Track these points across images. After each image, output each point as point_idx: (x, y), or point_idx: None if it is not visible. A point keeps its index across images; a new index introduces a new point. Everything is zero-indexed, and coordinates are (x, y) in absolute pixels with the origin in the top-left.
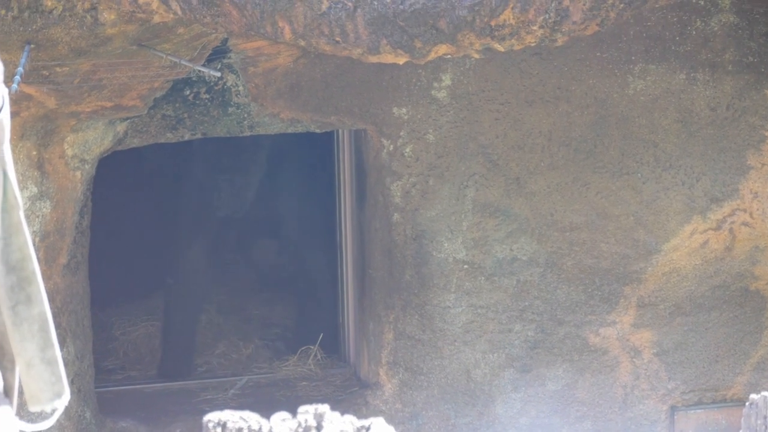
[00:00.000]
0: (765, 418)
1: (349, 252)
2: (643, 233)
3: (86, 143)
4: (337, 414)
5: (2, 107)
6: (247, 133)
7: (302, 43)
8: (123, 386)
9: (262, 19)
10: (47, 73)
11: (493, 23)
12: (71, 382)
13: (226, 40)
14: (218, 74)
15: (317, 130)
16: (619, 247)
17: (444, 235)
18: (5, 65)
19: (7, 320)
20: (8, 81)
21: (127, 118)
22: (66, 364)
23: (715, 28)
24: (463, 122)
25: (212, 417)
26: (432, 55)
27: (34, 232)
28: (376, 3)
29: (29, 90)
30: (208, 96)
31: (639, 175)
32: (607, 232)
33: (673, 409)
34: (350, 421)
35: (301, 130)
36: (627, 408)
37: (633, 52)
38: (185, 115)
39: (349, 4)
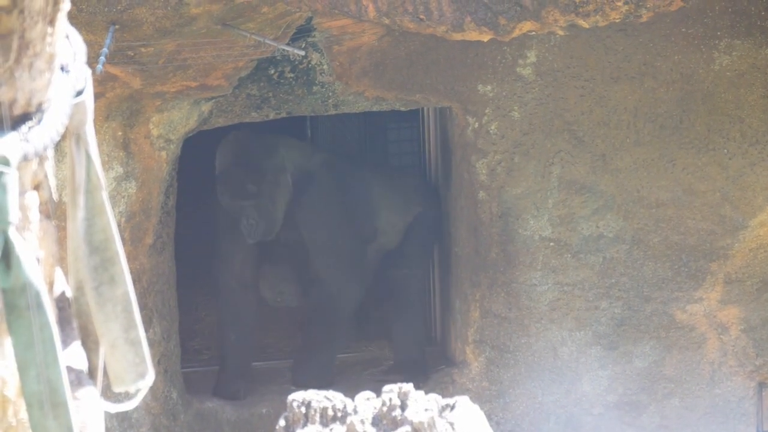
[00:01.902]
0: None
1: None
2: (729, 209)
3: (171, 123)
4: (421, 393)
5: (86, 88)
6: (332, 112)
7: (386, 21)
8: (209, 366)
9: None
10: (132, 54)
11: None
12: (157, 363)
13: (310, 19)
14: (302, 53)
15: (402, 108)
16: (706, 224)
17: (530, 212)
18: (90, 46)
19: (90, 301)
20: (93, 62)
21: (212, 98)
22: (152, 345)
23: None
24: (548, 99)
25: (297, 396)
26: (516, 32)
27: (119, 212)
28: None
29: (114, 71)
30: (292, 75)
31: (725, 150)
32: (693, 209)
33: (761, 385)
34: (435, 399)
35: (386, 108)
36: (714, 385)
37: (718, 27)
38: (270, 95)
39: None
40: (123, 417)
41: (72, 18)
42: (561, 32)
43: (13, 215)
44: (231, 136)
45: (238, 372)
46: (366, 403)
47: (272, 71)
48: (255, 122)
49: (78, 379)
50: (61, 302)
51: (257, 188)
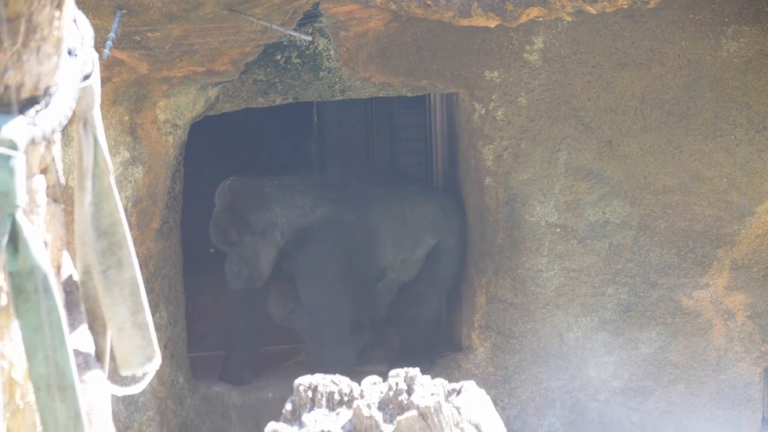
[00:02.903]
0: None
1: None
2: (736, 195)
3: (178, 108)
4: (427, 377)
5: (92, 72)
6: (339, 98)
7: (393, 6)
8: (215, 351)
9: None
10: (139, 39)
11: None
12: (164, 347)
13: (317, 4)
14: (309, 38)
15: (409, 94)
16: (713, 210)
17: (536, 198)
18: (97, 31)
19: (98, 285)
20: (100, 46)
21: (219, 83)
22: (159, 329)
23: None
24: (555, 85)
25: (303, 381)
26: (523, 18)
27: (126, 197)
28: None
29: (121, 55)
30: (299, 60)
31: (732, 137)
32: (700, 195)
33: (767, 371)
34: (441, 384)
35: (393, 94)
36: (720, 370)
37: (726, 13)
38: (276, 80)
39: None
40: (130, 400)
41: (79, 2)
42: (568, 18)
43: (21, 199)
44: (230, 182)
45: (245, 358)
46: (372, 388)
47: (279, 56)
48: (261, 166)
49: (85, 363)
50: (69, 286)
51: (240, 238)
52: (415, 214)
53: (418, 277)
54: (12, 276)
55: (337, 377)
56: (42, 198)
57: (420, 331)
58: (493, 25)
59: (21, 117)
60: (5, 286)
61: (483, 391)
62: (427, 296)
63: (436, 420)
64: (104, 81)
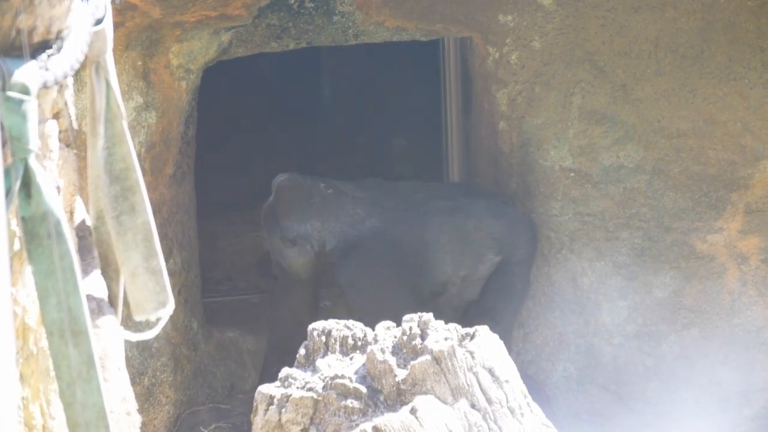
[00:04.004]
0: None
1: (455, 160)
2: (750, 139)
3: (191, 53)
4: (441, 322)
5: (105, 17)
6: (352, 42)
7: None
8: (229, 296)
9: None
10: None
11: None
12: (178, 293)
13: None
14: None
15: (422, 38)
16: (726, 154)
17: (550, 142)
18: None
19: (111, 230)
20: None
21: (232, 28)
22: (172, 275)
23: None
24: (569, 29)
25: (317, 326)
26: None
27: (139, 142)
28: None
29: (134, 0)
30: (312, 5)
31: (746, 80)
32: (714, 139)
33: None
34: (454, 328)
35: (406, 38)
36: (734, 314)
37: None
38: (290, 24)
39: None
40: (143, 346)
41: None
42: None
43: (34, 143)
44: (282, 179)
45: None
46: (386, 333)
47: (292, 1)
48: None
49: (98, 308)
50: (82, 231)
51: (271, 238)
52: (480, 231)
53: (482, 294)
54: (25, 221)
55: (351, 322)
56: (55, 143)
57: None
58: None
59: (33, 61)
60: (18, 231)
61: (496, 336)
62: (494, 312)
63: (449, 364)
64: (117, 26)
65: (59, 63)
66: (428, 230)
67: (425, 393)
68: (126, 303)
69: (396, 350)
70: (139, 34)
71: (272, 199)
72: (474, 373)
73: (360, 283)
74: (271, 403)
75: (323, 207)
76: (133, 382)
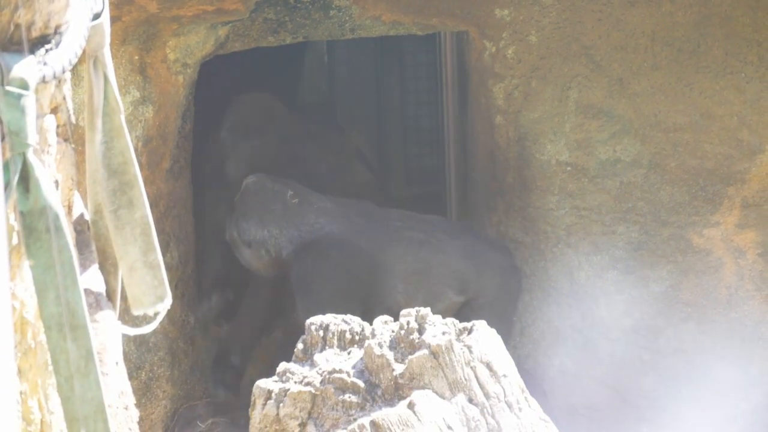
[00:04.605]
0: None
1: (452, 155)
2: (747, 133)
3: (188, 47)
4: (438, 317)
5: (103, 11)
6: (349, 36)
7: None
8: None
9: None
10: None
11: None
12: (175, 288)
13: None
14: None
15: (419, 33)
16: (723, 148)
17: (547, 137)
18: None
19: (109, 224)
20: None
21: (229, 22)
22: (169, 270)
23: None
24: (565, 23)
25: (315, 320)
26: None
27: (136, 137)
28: None
29: None
30: None
31: (743, 74)
32: (710, 133)
33: None
34: (452, 323)
35: (403, 33)
36: (731, 309)
37: None
38: (287, 19)
39: None
40: (141, 341)
41: None
42: None
43: (32, 138)
44: (251, 181)
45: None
46: (384, 327)
47: None
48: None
49: (97, 302)
50: (80, 225)
51: (230, 236)
52: (443, 268)
53: None
54: (23, 215)
55: (349, 317)
56: (53, 137)
57: None
58: None
59: (31, 56)
60: (16, 225)
61: (494, 330)
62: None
63: (447, 359)
64: (114, 20)
65: (58, 58)
66: (387, 255)
67: (423, 387)
68: (124, 297)
69: (393, 345)
70: (136, 28)
71: (237, 198)
72: (472, 368)
73: (310, 283)
74: (269, 398)
75: (284, 215)
76: (131, 377)
